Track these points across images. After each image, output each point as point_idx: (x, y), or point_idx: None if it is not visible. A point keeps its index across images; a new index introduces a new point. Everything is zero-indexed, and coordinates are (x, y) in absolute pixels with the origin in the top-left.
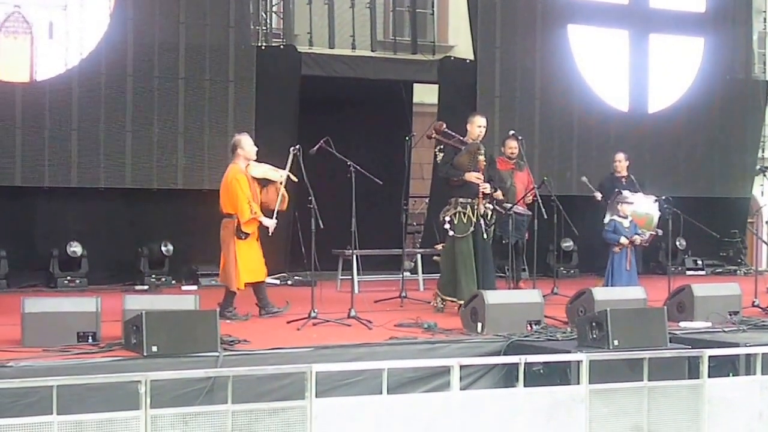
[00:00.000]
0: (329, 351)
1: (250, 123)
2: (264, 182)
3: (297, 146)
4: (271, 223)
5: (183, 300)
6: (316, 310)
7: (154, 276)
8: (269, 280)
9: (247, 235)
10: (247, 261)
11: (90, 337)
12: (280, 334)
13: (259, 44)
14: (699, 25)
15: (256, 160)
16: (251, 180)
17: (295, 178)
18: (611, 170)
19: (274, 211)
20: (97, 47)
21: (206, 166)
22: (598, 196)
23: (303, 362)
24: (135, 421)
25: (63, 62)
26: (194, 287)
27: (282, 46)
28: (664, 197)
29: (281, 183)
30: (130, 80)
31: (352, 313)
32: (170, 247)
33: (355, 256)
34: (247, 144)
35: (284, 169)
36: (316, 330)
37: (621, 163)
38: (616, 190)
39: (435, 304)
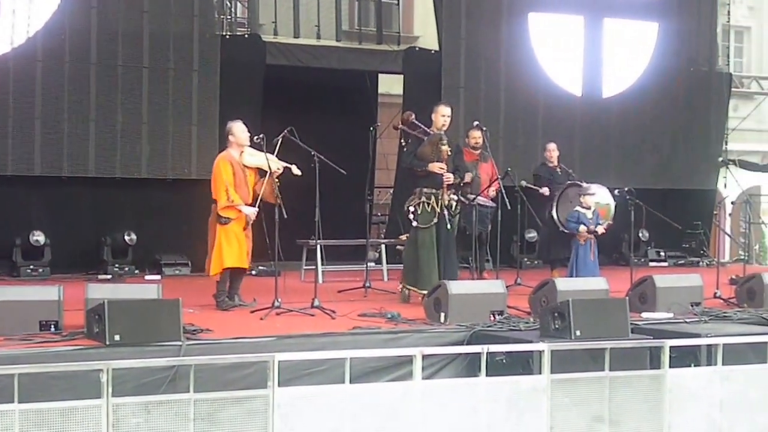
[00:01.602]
0: (292, 340)
1: (214, 112)
2: (263, 173)
3: (261, 135)
4: (250, 212)
5: (146, 289)
6: (279, 300)
7: (117, 265)
8: None
9: (228, 220)
10: (226, 246)
11: (52, 326)
12: (244, 323)
13: (224, 33)
14: (653, 9)
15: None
16: (240, 167)
17: (298, 172)
18: (542, 160)
19: (271, 202)
20: (59, 34)
21: (170, 155)
22: (546, 191)
23: (266, 351)
24: (97, 409)
25: (11, 44)
26: (157, 277)
27: (246, 35)
28: (626, 188)
29: (275, 175)
30: (94, 69)
31: (316, 303)
32: (134, 237)
33: (319, 246)
34: (238, 130)
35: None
36: (280, 319)
37: (553, 152)
38: (568, 182)
39: (400, 294)
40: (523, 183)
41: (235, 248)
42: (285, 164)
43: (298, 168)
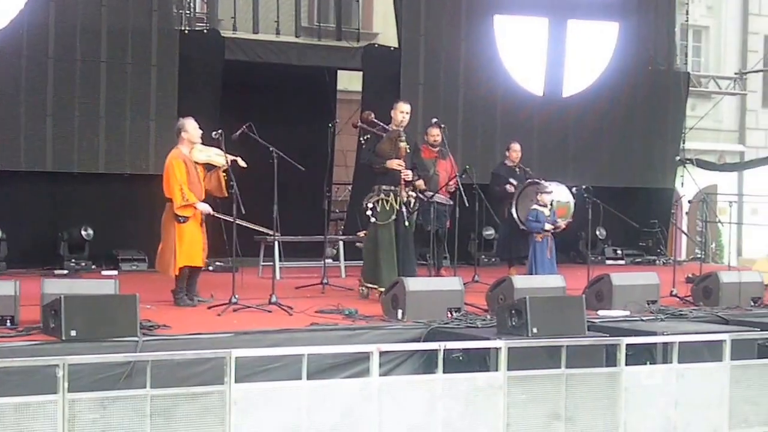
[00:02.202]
0: (249, 337)
1: (172, 107)
2: (209, 167)
3: (219, 131)
4: (204, 208)
5: (102, 285)
6: (236, 296)
7: (74, 260)
8: None
9: (186, 219)
10: (185, 245)
11: (8, 321)
12: (201, 319)
13: (182, 28)
14: (614, 9)
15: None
16: (191, 164)
17: (243, 164)
18: (502, 159)
19: (219, 196)
20: (17, 28)
21: (128, 150)
22: (511, 188)
23: (223, 348)
24: (52, 404)
25: None
26: (114, 272)
27: (205, 31)
28: (584, 186)
29: (223, 169)
30: (51, 63)
31: (273, 299)
32: (91, 232)
33: (276, 243)
34: (191, 127)
35: (228, 153)
36: (237, 316)
37: (516, 153)
38: (528, 181)
39: (360, 291)
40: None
41: (193, 246)
42: (232, 157)
43: (254, 162)
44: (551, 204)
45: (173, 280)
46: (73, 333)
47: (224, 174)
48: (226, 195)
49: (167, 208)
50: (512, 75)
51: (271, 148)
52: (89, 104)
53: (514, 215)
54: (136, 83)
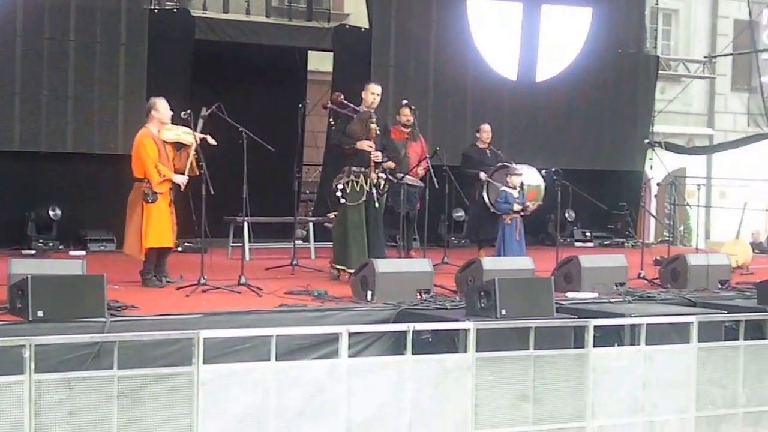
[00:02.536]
0: (218, 318)
1: (141, 87)
2: (179, 146)
3: (188, 111)
4: (182, 180)
5: (70, 265)
6: (205, 277)
7: (41, 240)
8: None
9: (155, 198)
10: (153, 225)
11: None
12: (169, 300)
13: (152, 7)
14: None
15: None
16: (161, 144)
17: (213, 142)
18: (473, 140)
19: (190, 175)
20: None
21: (96, 129)
22: (483, 175)
23: (191, 329)
24: (19, 385)
25: None
26: (82, 252)
27: (175, 10)
28: (553, 169)
29: (193, 147)
30: (20, 41)
31: (243, 281)
32: (58, 212)
33: (246, 224)
34: (162, 107)
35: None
36: (206, 297)
37: (487, 134)
38: (498, 164)
39: (330, 273)
40: (466, 171)
41: (161, 227)
42: (201, 135)
43: (223, 142)
44: (521, 186)
45: (141, 261)
46: (40, 313)
47: (194, 153)
48: (197, 174)
49: (135, 188)
50: (485, 59)
51: (240, 129)
52: (57, 83)
53: (485, 198)
54: (105, 62)
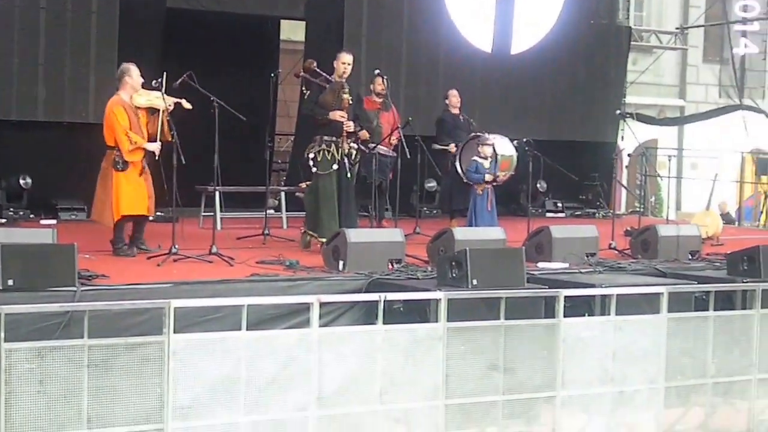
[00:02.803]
0: (189, 287)
1: (112, 55)
2: (153, 112)
3: (160, 79)
4: (155, 147)
5: (40, 234)
6: (177, 247)
7: (12, 209)
8: None
9: (126, 166)
10: (125, 194)
11: None
12: (140, 269)
13: None
14: None
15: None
16: (133, 111)
17: (188, 105)
18: (444, 106)
19: (164, 141)
20: None
21: (67, 98)
22: (453, 147)
23: (162, 298)
24: None
25: None
26: (53, 221)
27: None
28: (525, 140)
29: (166, 112)
30: None
31: (214, 250)
32: (29, 181)
33: (217, 193)
34: (135, 74)
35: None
36: (177, 266)
37: (456, 98)
38: (471, 134)
39: (302, 240)
40: (435, 146)
41: (134, 195)
42: (175, 100)
43: (195, 112)
44: (493, 156)
45: (112, 230)
46: (10, 282)
47: (166, 115)
48: (169, 139)
49: (106, 156)
50: (460, 30)
51: (212, 98)
52: (28, 51)
53: (458, 168)
54: (76, 30)
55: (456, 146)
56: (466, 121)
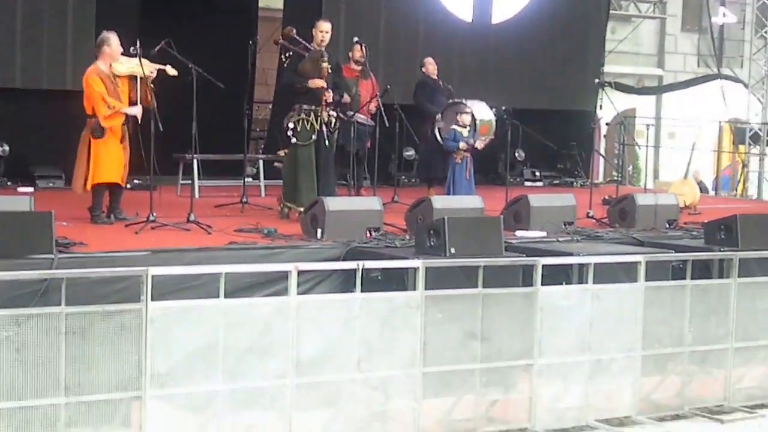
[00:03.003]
0: (167, 255)
1: (90, 22)
2: (135, 79)
3: (138, 46)
4: (136, 110)
5: (17, 201)
6: (154, 214)
7: None
8: None
9: (102, 133)
10: (101, 161)
11: None
12: (118, 237)
13: None
14: None
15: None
16: (110, 79)
17: (173, 72)
18: (421, 74)
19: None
20: None
21: (45, 65)
22: (439, 117)
23: (140, 266)
24: None
25: None
26: (30, 189)
27: None
28: (504, 108)
29: (147, 79)
30: None
31: (192, 218)
32: (6, 148)
33: (195, 161)
34: (115, 43)
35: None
36: (155, 234)
37: (432, 66)
38: (450, 101)
39: (280, 211)
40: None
41: (109, 163)
42: (159, 66)
43: (173, 79)
44: (471, 125)
45: (90, 198)
46: None
47: (152, 85)
48: (150, 103)
49: (86, 125)
50: None
51: (190, 65)
52: (5, 17)
53: (437, 135)
54: None
55: (433, 106)
56: (445, 88)
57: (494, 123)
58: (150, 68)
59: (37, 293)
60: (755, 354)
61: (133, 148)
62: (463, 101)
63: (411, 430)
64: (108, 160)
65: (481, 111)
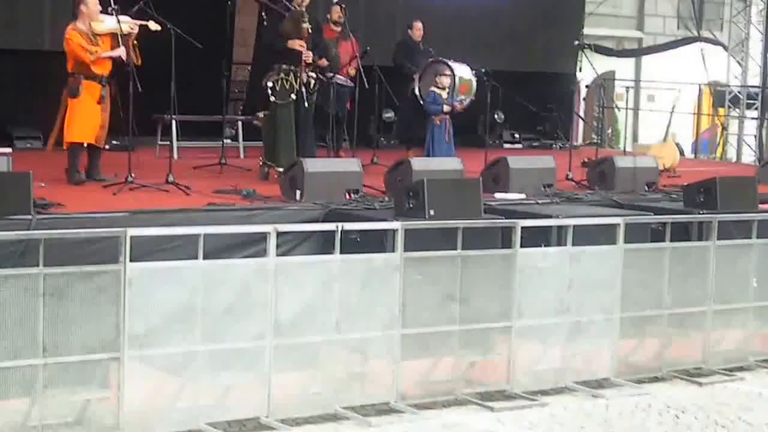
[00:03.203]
0: (145, 216)
1: None
2: (117, 37)
3: (115, 6)
4: (119, 52)
5: None
6: (132, 175)
7: None
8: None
9: (77, 92)
10: (77, 120)
11: None
12: (96, 198)
13: None
14: None
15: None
16: (89, 37)
17: (156, 27)
18: (407, 34)
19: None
20: None
21: (21, 25)
22: (416, 76)
23: (118, 227)
24: None
25: None
26: (8, 150)
27: None
28: (483, 70)
29: (131, 36)
30: None
31: (170, 179)
32: None
33: (174, 122)
34: (91, 2)
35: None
36: (133, 195)
37: (419, 31)
38: (431, 59)
39: (260, 171)
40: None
41: (85, 123)
42: (140, 22)
43: (151, 39)
44: (450, 87)
45: (66, 159)
46: None
47: (136, 41)
48: (139, 62)
49: (68, 83)
50: None
51: (168, 25)
52: None
53: (417, 94)
54: None
55: (413, 66)
56: (426, 50)
57: (474, 83)
58: (130, 24)
59: (15, 254)
60: (734, 316)
61: (112, 109)
62: (444, 60)
63: (389, 391)
64: (81, 119)
65: (461, 70)
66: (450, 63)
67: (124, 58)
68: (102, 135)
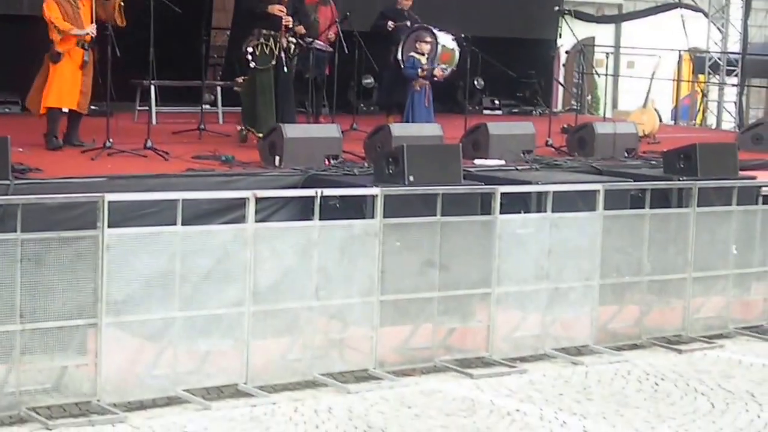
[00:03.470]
0: (124, 181)
1: None
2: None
3: None
4: (87, 30)
5: None
6: (111, 141)
7: None
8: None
9: (59, 58)
10: (56, 85)
11: None
12: (74, 163)
13: None
14: None
15: None
16: (68, 2)
17: None
18: (396, 2)
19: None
20: None
21: None
22: (390, 25)
23: (96, 192)
24: None
25: None
26: None
27: None
28: (463, 35)
29: None
30: None
31: (149, 144)
32: None
33: (153, 87)
34: None
35: None
36: (111, 160)
37: (406, 1)
38: (416, 25)
39: (239, 134)
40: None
41: (64, 88)
42: None
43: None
44: (431, 53)
45: (45, 124)
46: None
47: (122, 3)
48: (123, 23)
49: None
50: None
51: None
52: None
53: (399, 59)
54: None
55: (394, 28)
56: (412, 17)
57: (457, 54)
58: None
59: None
60: (713, 284)
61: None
62: (429, 27)
63: (368, 358)
64: (61, 84)
65: (446, 39)
66: (435, 30)
67: (93, 34)
68: (84, 101)
